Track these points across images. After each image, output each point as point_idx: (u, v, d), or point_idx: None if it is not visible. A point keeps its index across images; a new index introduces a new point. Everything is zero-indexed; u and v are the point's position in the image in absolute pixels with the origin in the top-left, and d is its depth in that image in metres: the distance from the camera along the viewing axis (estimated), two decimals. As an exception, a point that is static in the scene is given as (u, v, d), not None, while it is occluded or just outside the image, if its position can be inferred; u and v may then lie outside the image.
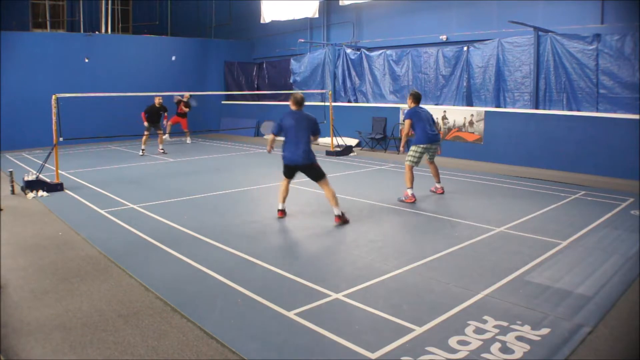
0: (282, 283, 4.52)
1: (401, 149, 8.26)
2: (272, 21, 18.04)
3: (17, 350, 3.35)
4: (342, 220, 6.34)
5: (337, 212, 6.34)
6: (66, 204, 7.75)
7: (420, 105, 8.08)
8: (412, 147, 7.92)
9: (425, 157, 8.11)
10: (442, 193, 8.34)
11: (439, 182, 8.40)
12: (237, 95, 19.36)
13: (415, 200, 7.71)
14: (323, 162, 12.15)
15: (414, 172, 7.88)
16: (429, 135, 7.90)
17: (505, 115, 11.98)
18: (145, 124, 13.30)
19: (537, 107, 11.61)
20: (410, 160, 7.87)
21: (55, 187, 8.57)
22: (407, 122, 7.95)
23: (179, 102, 15.48)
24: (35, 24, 19.32)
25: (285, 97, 18.00)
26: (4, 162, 12.09)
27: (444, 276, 4.61)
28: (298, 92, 6.76)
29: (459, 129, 12.72)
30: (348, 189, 8.63)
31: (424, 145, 7.89)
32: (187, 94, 15.52)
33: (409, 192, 7.73)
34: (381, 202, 7.63)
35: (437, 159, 8.40)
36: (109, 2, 18.92)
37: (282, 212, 6.71)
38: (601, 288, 4.35)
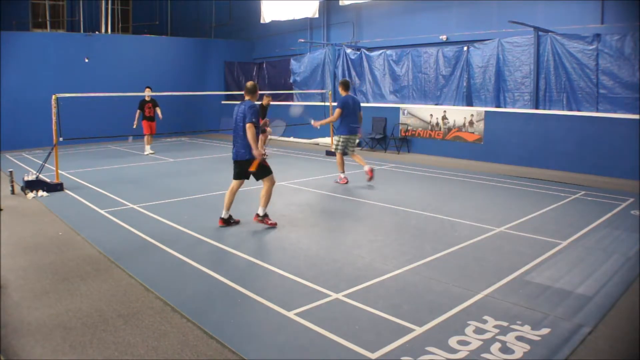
0: (282, 283, 4.52)
1: (315, 123, 9.28)
2: (272, 21, 18.04)
3: (17, 350, 3.35)
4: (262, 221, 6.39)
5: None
6: (66, 204, 7.75)
7: (351, 94, 9.13)
8: (335, 137, 9.15)
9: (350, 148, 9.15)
10: (372, 178, 9.05)
11: (365, 164, 9.12)
12: (237, 95, 19.37)
13: (347, 181, 9.03)
14: (323, 162, 12.23)
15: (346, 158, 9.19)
16: (350, 127, 8.99)
17: (505, 115, 11.98)
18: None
19: (537, 107, 11.61)
20: (339, 149, 9.07)
21: (55, 187, 8.57)
22: (338, 111, 8.87)
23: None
24: (35, 24, 19.31)
25: (286, 97, 18.01)
26: (4, 162, 12.09)
27: (444, 276, 4.61)
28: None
29: (459, 129, 12.72)
30: (348, 189, 8.63)
31: (345, 136, 9.02)
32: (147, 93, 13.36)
33: (342, 175, 9.08)
34: (381, 202, 7.63)
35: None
36: (109, 2, 18.92)
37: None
38: (601, 288, 4.35)
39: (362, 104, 15.53)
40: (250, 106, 6.06)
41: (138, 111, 13.33)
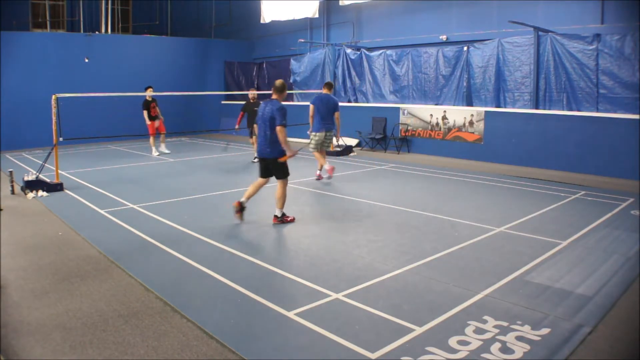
0: (282, 283, 4.52)
1: (309, 133, 9.41)
2: (272, 21, 18.04)
3: (17, 350, 3.35)
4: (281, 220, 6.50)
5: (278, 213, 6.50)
6: (66, 204, 7.75)
7: (329, 93, 9.38)
8: (311, 135, 9.29)
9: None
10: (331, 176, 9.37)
11: (325, 163, 9.29)
12: (237, 95, 19.37)
13: (334, 168, 9.22)
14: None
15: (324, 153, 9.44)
16: (320, 125, 9.22)
17: (505, 115, 11.97)
18: (251, 129, 11.47)
19: (537, 107, 11.61)
20: (314, 147, 9.27)
21: (55, 187, 8.56)
22: (310, 107, 9.21)
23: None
24: (35, 24, 19.30)
25: (286, 97, 17.97)
26: (4, 162, 12.09)
27: (444, 276, 4.61)
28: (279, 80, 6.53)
29: (459, 129, 12.72)
30: (348, 189, 8.63)
31: (318, 134, 9.22)
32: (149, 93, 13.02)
33: (327, 166, 9.08)
34: (381, 202, 7.63)
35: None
36: (109, 2, 18.92)
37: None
38: (601, 288, 4.36)
39: (361, 104, 15.82)
40: (279, 107, 6.11)
41: (145, 111, 12.97)
